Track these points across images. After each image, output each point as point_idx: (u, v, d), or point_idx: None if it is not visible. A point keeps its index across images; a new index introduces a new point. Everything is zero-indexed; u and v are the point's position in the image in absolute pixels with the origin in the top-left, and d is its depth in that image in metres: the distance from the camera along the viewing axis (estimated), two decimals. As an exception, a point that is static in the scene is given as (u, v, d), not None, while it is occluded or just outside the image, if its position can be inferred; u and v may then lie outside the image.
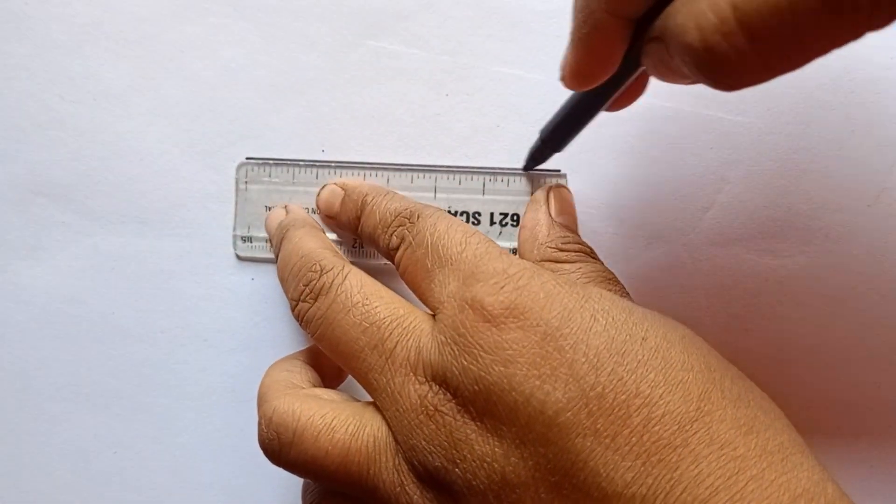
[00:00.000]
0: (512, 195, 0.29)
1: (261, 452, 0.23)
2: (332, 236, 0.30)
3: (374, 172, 0.30)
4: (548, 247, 0.25)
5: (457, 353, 0.19)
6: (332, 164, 0.30)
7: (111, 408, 0.31)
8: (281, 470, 0.23)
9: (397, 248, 0.24)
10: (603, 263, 0.25)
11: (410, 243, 0.23)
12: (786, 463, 0.17)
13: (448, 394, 0.19)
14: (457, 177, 0.29)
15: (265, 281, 0.30)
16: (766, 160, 0.29)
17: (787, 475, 0.17)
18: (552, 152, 0.27)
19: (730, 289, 0.29)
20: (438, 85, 0.30)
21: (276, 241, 0.27)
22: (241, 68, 0.30)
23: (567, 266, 0.24)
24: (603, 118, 0.30)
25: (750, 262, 0.29)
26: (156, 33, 0.30)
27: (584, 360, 0.18)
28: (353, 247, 0.30)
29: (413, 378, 0.20)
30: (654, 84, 0.30)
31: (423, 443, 0.19)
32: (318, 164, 0.30)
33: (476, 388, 0.18)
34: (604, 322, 0.18)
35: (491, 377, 0.18)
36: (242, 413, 0.30)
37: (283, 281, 0.26)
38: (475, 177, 0.29)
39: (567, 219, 0.27)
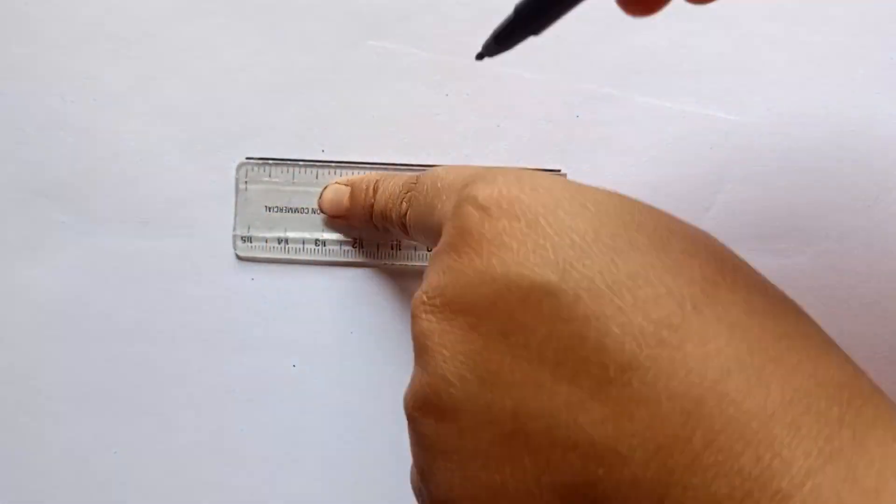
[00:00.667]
0: (512, 195, 0.29)
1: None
2: (335, 236, 0.30)
3: (374, 173, 0.30)
4: None
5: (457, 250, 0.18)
6: (332, 164, 0.30)
7: (111, 408, 0.31)
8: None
9: (407, 212, 0.24)
10: None
11: (415, 199, 0.23)
12: (810, 350, 0.15)
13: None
14: (457, 177, 0.29)
15: (265, 281, 0.30)
16: (766, 160, 0.29)
17: (811, 361, 0.15)
18: (526, 33, 0.22)
19: (730, 289, 0.29)
20: (438, 85, 0.30)
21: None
22: (241, 68, 0.30)
23: None
24: (604, 118, 0.30)
25: (750, 261, 0.29)
26: (156, 33, 0.30)
27: (569, 244, 0.16)
28: (354, 246, 0.30)
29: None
30: (654, 84, 0.30)
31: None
32: (318, 164, 0.30)
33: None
34: (594, 210, 0.17)
35: (480, 265, 0.17)
36: (242, 413, 0.30)
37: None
38: (475, 177, 0.29)
39: None
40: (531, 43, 0.30)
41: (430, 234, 0.22)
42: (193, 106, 0.30)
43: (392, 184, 0.26)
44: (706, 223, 0.29)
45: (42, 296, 0.31)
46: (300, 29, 0.30)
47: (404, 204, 0.24)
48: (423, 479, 0.18)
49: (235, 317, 0.30)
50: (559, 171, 0.29)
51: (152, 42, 0.30)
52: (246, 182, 0.30)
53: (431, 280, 0.18)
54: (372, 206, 0.27)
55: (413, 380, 0.18)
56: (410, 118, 0.30)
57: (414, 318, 0.19)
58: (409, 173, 0.26)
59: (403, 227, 0.25)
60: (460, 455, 0.17)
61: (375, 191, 0.27)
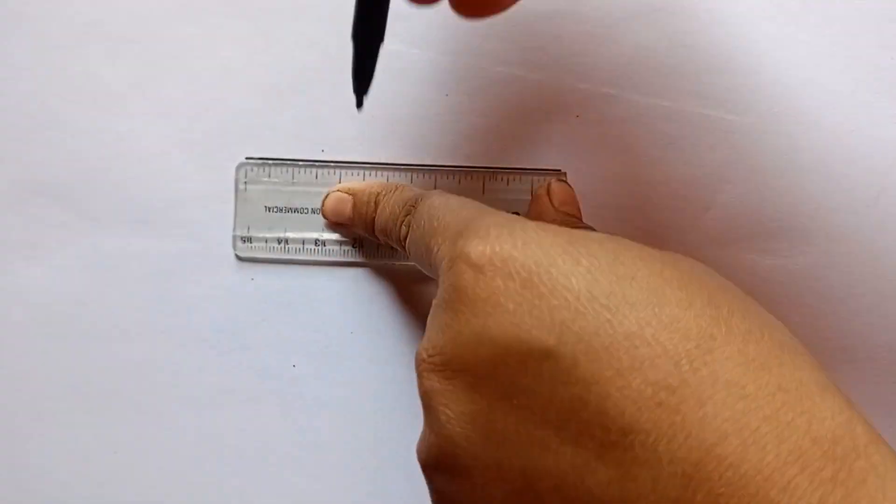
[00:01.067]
0: (512, 194, 0.29)
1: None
2: (335, 236, 0.30)
3: (374, 172, 0.30)
4: None
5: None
6: (332, 164, 0.30)
7: (111, 408, 0.31)
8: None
9: (407, 237, 0.24)
10: None
11: (413, 227, 0.23)
12: (804, 402, 0.15)
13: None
14: (456, 176, 0.29)
15: (265, 281, 0.30)
16: (766, 160, 0.29)
17: (806, 415, 0.15)
18: (375, 42, 0.23)
19: (730, 289, 0.29)
20: (438, 85, 0.30)
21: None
22: (241, 68, 0.30)
23: None
24: (604, 118, 0.30)
25: (750, 262, 0.29)
26: (156, 33, 0.30)
27: (564, 305, 0.17)
28: (354, 246, 0.30)
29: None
30: (654, 84, 0.30)
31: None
32: (317, 163, 0.30)
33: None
34: (587, 265, 0.17)
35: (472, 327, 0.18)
36: (242, 413, 0.30)
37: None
38: (475, 176, 0.29)
39: (570, 208, 0.27)
40: (531, 43, 0.30)
41: (428, 269, 0.22)
42: (193, 106, 0.30)
43: (393, 201, 0.26)
44: (706, 223, 0.29)
45: (42, 296, 0.31)
46: (300, 29, 0.30)
47: (404, 227, 0.24)
48: None
49: (235, 317, 0.30)
50: (560, 170, 0.29)
51: (152, 42, 0.30)
52: (246, 182, 0.30)
53: (431, 337, 0.19)
54: (374, 220, 0.27)
55: (423, 436, 0.19)
56: (410, 118, 0.30)
57: (418, 375, 0.19)
58: (410, 189, 0.26)
59: (404, 249, 0.25)
60: None
61: (377, 205, 0.27)
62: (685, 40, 0.29)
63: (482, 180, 0.29)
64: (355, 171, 0.30)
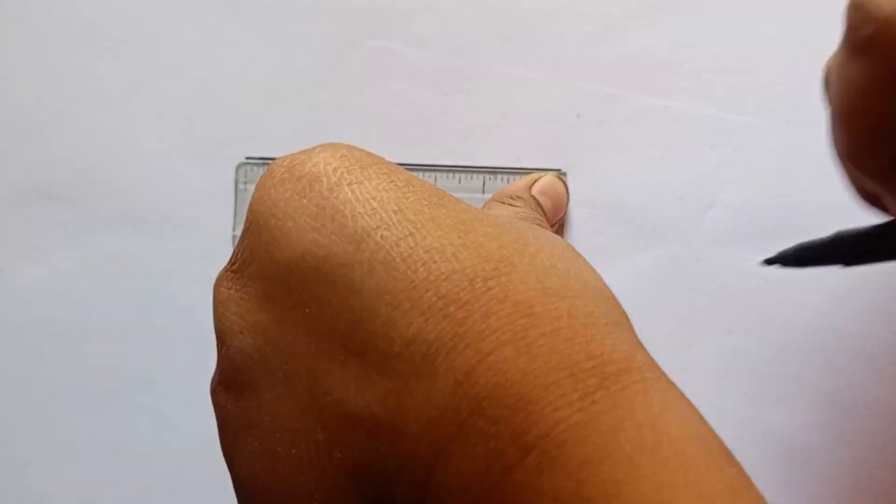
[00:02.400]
0: (512, 195, 0.29)
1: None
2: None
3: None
4: (494, 198, 0.25)
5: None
6: (332, 164, 0.30)
7: (111, 408, 0.31)
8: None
9: None
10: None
11: None
12: (590, 329, 0.15)
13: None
14: (457, 176, 0.29)
15: (265, 281, 0.30)
16: (766, 160, 0.29)
17: (586, 338, 0.15)
18: (837, 263, 0.22)
19: (730, 289, 0.29)
20: (438, 85, 0.30)
21: None
22: (241, 68, 0.30)
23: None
24: (604, 118, 0.30)
25: (750, 261, 0.29)
26: (156, 33, 0.30)
27: (369, 213, 0.16)
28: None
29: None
30: (654, 84, 0.30)
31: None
32: (318, 163, 0.30)
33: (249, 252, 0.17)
34: (402, 185, 0.17)
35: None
36: (242, 413, 0.30)
37: None
38: (475, 175, 0.29)
39: (546, 201, 0.26)
40: (532, 42, 0.30)
41: None
42: (193, 106, 0.30)
43: None
44: (706, 223, 0.29)
45: (42, 296, 0.31)
46: (300, 29, 0.30)
47: None
48: (229, 461, 0.18)
49: (235, 317, 0.30)
50: (560, 170, 0.29)
51: (152, 42, 0.30)
52: (245, 182, 0.30)
53: (233, 252, 0.18)
54: None
55: (217, 361, 0.18)
56: (410, 118, 0.30)
57: (214, 289, 0.18)
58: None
59: None
60: (260, 429, 0.17)
61: None
62: (685, 40, 0.29)
63: (482, 179, 0.29)
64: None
